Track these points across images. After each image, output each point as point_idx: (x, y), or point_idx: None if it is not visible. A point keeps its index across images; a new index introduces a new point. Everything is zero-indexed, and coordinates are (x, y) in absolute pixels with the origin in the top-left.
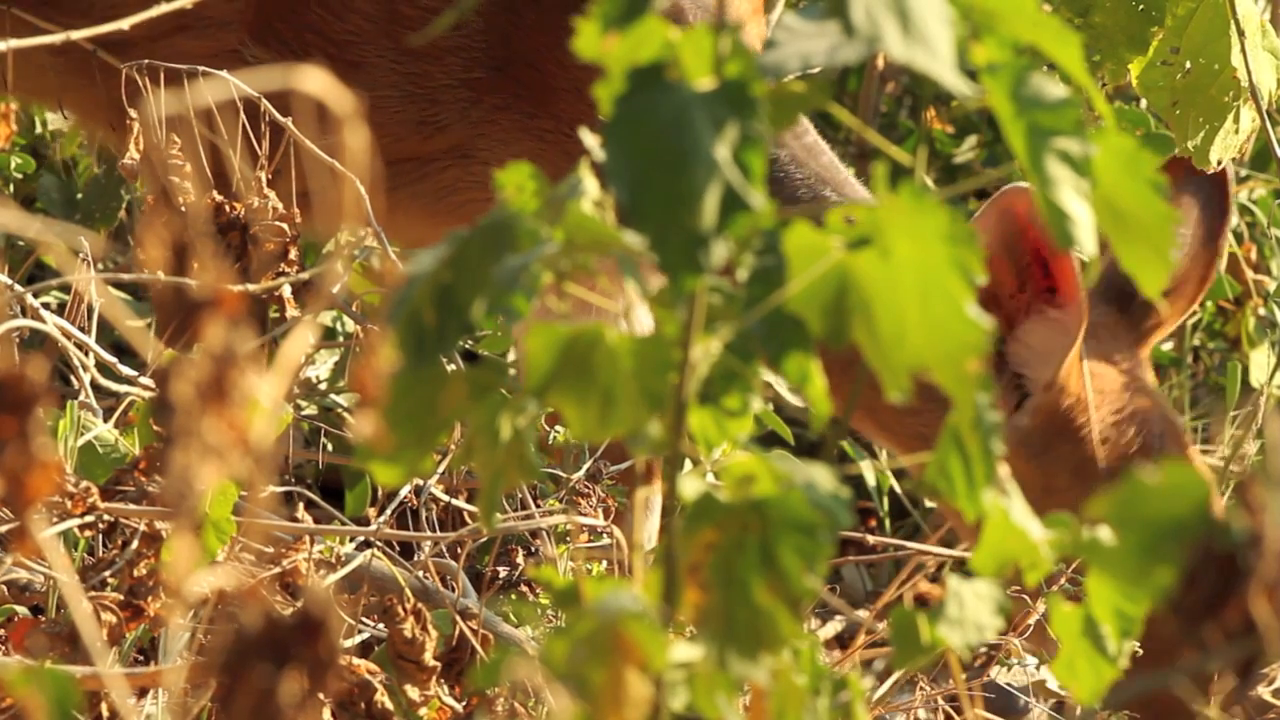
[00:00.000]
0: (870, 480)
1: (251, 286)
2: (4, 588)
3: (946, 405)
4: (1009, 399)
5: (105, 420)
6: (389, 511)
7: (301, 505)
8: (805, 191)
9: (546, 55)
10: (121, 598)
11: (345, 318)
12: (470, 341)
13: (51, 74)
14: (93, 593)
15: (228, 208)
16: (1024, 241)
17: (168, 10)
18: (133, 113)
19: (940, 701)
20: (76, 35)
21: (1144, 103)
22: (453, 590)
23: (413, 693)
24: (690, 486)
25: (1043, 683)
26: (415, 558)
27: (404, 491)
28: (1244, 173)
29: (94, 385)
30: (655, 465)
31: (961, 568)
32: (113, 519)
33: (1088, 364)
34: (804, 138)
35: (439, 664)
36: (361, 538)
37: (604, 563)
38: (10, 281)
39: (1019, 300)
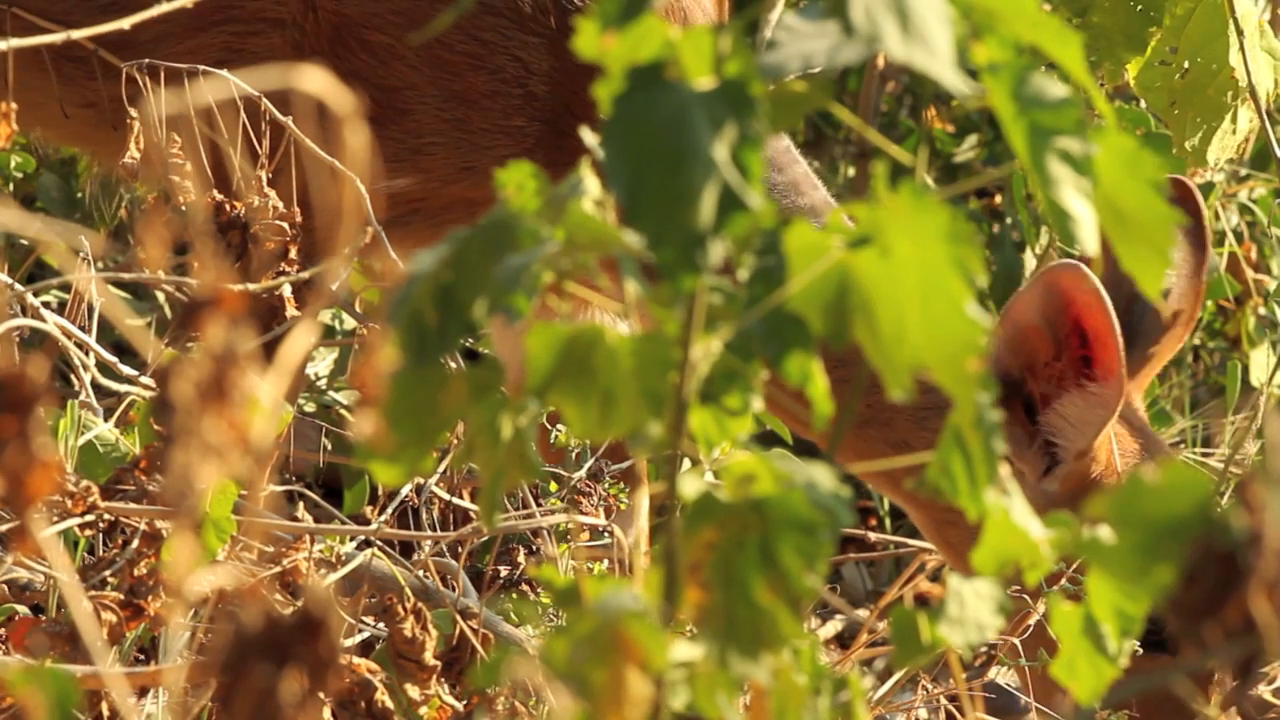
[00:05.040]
0: None
1: (252, 286)
2: (4, 587)
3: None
4: (1038, 465)
5: (106, 420)
6: (389, 511)
7: (301, 505)
8: (779, 198)
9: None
10: (122, 597)
11: (344, 315)
12: (471, 341)
13: (75, 122)
14: (93, 592)
15: (228, 207)
16: (1066, 315)
17: (167, 10)
18: (133, 112)
19: (941, 701)
20: (76, 35)
21: (1144, 102)
22: (453, 590)
23: (413, 692)
24: (690, 486)
25: None
26: (415, 557)
27: (404, 491)
28: (1244, 172)
29: (94, 385)
30: (642, 469)
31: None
32: (113, 518)
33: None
34: (781, 141)
35: (439, 663)
36: (362, 537)
37: (604, 562)
38: (10, 281)
39: (1053, 369)
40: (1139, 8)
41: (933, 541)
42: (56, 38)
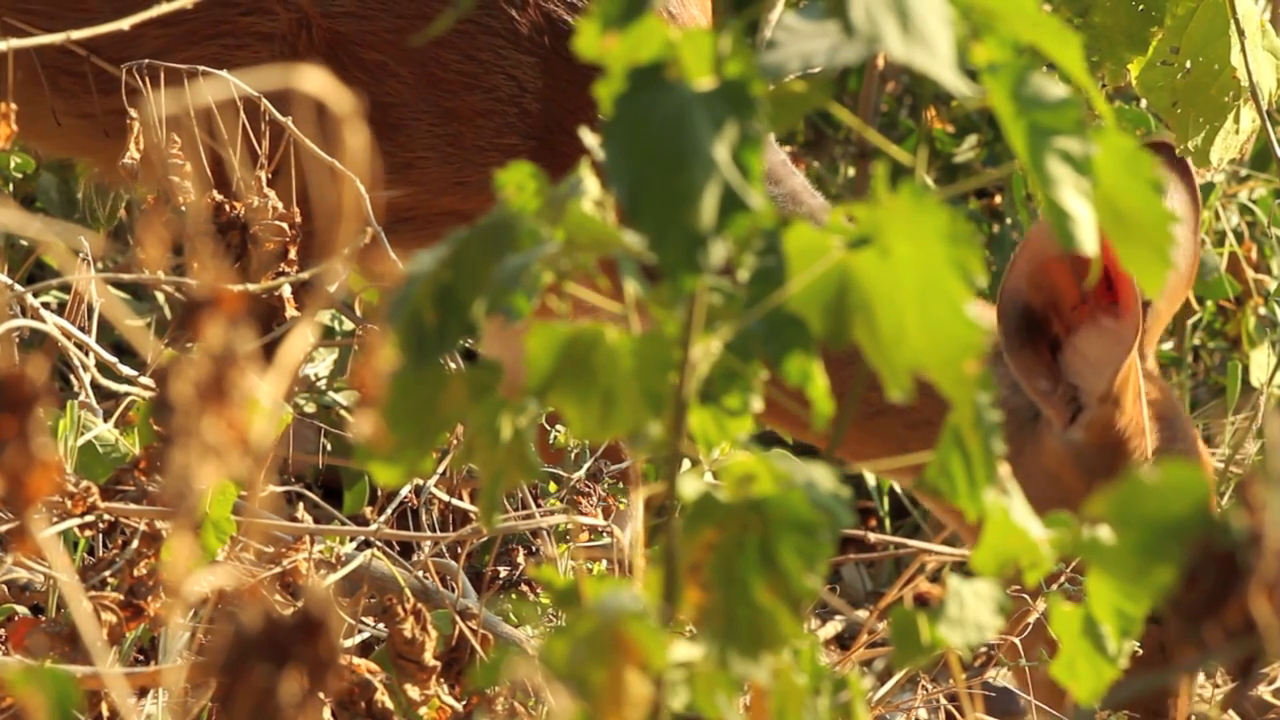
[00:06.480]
0: (870, 480)
1: (251, 286)
2: (4, 588)
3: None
4: (1064, 412)
5: (105, 420)
6: (389, 511)
7: (301, 505)
8: (779, 209)
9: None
10: (121, 597)
11: (343, 316)
12: (471, 341)
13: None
14: (93, 592)
15: (227, 207)
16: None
17: (167, 10)
18: (132, 113)
19: (941, 701)
20: (75, 35)
21: (1144, 103)
22: (453, 590)
23: (413, 692)
24: (690, 486)
25: None
26: (415, 558)
27: (404, 491)
28: (1244, 172)
29: (94, 385)
30: (637, 470)
31: (962, 567)
32: (113, 519)
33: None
34: (777, 155)
35: (439, 664)
36: (361, 537)
37: (604, 562)
38: (10, 281)
39: (1081, 312)
40: (1140, 8)
41: (956, 528)
42: (55, 38)
